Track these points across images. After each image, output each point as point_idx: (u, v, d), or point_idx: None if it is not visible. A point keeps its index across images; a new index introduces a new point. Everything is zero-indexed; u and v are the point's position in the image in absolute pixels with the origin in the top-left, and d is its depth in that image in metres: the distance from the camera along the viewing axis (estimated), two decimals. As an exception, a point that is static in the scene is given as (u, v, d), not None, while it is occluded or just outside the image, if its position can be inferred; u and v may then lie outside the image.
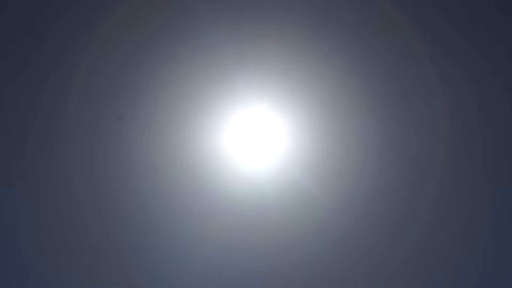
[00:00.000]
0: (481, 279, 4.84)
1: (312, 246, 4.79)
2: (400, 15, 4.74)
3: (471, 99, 4.84)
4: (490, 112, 4.85)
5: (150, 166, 4.75)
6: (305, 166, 4.77)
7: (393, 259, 4.85)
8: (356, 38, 4.74)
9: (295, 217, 4.81)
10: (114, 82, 4.76)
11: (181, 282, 4.83)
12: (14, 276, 4.78)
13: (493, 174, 4.88)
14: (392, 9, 4.72)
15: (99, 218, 4.81)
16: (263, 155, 4.80)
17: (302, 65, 4.69)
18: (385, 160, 4.80)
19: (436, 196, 4.84)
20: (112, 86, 4.77)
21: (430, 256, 4.88)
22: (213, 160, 4.74)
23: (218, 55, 4.64)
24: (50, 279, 4.78)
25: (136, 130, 4.73)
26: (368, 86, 4.77)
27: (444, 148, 4.82)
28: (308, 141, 4.75)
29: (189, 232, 4.82)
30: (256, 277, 4.80)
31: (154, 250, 4.86)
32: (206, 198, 4.77)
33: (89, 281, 4.82)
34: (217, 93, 4.69)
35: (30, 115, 4.79)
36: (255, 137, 4.78)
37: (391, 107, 4.81)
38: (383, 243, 4.86)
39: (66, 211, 4.81)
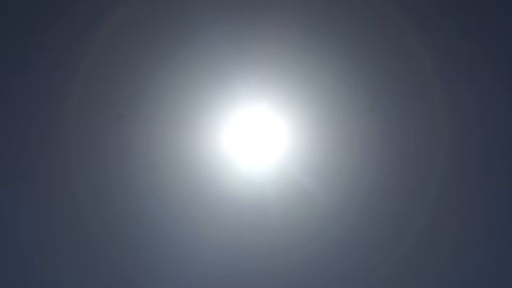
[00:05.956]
0: (481, 279, 4.84)
1: (312, 246, 4.79)
2: (400, 15, 4.74)
3: (471, 99, 4.84)
4: (490, 112, 4.86)
5: (150, 166, 4.75)
6: (305, 166, 4.77)
7: (393, 259, 4.85)
8: (356, 38, 4.74)
9: (295, 217, 4.81)
10: (114, 82, 4.77)
11: (181, 282, 4.83)
12: (14, 276, 4.78)
13: (493, 174, 4.88)
14: (392, 9, 4.73)
15: (99, 218, 4.81)
16: (263, 155, 4.80)
17: (302, 65, 4.70)
18: (385, 160, 4.80)
19: (436, 196, 4.84)
20: (112, 86, 4.77)
21: (430, 256, 4.88)
22: (213, 160, 4.74)
23: (218, 55, 4.64)
24: (50, 279, 4.79)
25: (136, 130, 4.73)
26: (368, 86, 4.78)
27: (444, 148, 4.82)
28: (308, 141, 4.76)
29: (189, 232, 4.82)
30: (256, 277, 4.80)
31: (154, 250, 4.86)
32: (206, 198, 4.77)
33: (89, 281, 4.82)
34: (217, 93, 4.69)
35: (30, 115, 4.79)
36: (255, 137, 4.78)
37: (391, 107, 4.81)
38: (383, 243, 4.86)
39: (66, 211, 4.81)
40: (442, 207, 4.87)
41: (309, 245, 4.80)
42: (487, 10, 4.81)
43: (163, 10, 4.71)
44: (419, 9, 4.75)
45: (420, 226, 4.84)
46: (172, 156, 4.76)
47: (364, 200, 4.80)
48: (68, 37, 4.71)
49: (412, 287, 4.86)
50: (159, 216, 4.80)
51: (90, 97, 4.76)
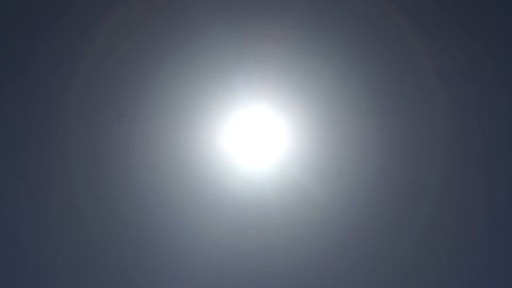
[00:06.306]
0: (481, 279, 4.84)
1: (312, 246, 4.79)
2: (400, 15, 4.74)
3: (471, 99, 4.84)
4: (490, 112, 4.86)
5: (150, 166, 4.75)
6: (305, 166, 4.78)
7: (393, 259, 4.85)
8: (356, 38, 4.74)
9: (295, 217, 4.81)
10: (114, 82, 4.77)
11: (181, 282, 4.83)
12: (14, 276, 4.78)
13: (493, 174, 4.89)
14: (392, 9, 4.73)
15: (99, 218, 4.82)
16: (263, 155, 4.80)
17: (302, 65, 4.70)
18: (385, 160, 4.80)
19: (436, 196, 4.84)
20: (112, 86, 4.78)
21: (430, 256, 4.88)
22: (213, 160, 4.75)
23: (218, 55, 4.64)
24: (50, 279, 4.79)
25: (136, 130, 4.74)
26: (368, 86, 4.78)
27: (444, 148, 4.82)
28: (308, 141, 4.76)
29: (189, 232, 4.82)
30: (256, 277, 4.80)
31: (154, 250, 4.86)
32: (206, 198, 4.77)
33: (89, 281, 4.82)
34: (217, 93, 4.69)
35: (30, 115, 4.79)
36: (255, 137, 4.78)
37: (391, 107, 4.81)
38: (383, 243, 4.86)
39: (66, 211, 4.81)
40: (442, 207, 4.88)
41: (309, 245, 4.80)
42: (487, 10, 4.81)
43: (163, 10, 4.72)
44: (419, 9, 4.76)
45: (420, 226, 4.84)
46: (172, 156, 4.76)
47: (364, 200, 4.80)
48: (68, 37, 4.72)
49: (412, 287, 4.87)
50: (159, 216, 4.80)
51: (90, 97, 4.76)
